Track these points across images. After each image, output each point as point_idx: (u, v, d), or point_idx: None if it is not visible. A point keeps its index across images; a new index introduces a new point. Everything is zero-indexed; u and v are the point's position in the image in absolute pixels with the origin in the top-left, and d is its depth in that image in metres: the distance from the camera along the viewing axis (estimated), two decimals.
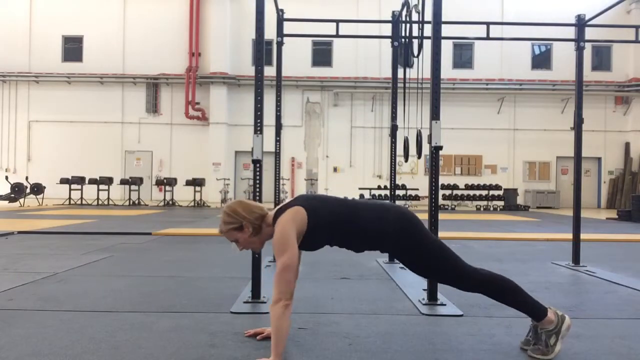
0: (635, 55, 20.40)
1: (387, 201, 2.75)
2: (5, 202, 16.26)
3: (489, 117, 20.53)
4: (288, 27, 5.85)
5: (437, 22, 3.65)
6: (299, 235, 2.51)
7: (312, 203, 2.58)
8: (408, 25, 5.14)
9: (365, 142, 20.65)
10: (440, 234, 3.79)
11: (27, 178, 17.36)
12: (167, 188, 17.35)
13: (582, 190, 5.57)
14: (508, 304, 2.65)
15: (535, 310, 2.59)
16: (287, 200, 2.65)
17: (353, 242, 2.64)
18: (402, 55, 5.39)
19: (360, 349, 2.68)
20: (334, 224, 2.56)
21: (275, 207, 2.92)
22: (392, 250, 2.66)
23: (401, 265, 5.41)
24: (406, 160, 5.27)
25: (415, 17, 4.48)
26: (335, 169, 20.64)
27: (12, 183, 16.42)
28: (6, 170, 20.27)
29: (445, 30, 3.93)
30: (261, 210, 2.62)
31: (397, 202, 11.99)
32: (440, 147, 3.64)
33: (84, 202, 16.83)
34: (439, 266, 2.61)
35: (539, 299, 2.68)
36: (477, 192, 18.33)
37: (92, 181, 17.22)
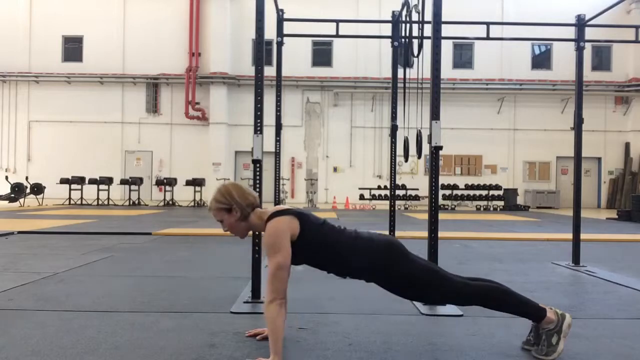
0: (635, 55, 20.40)
1: (375, 232, 2.74)
2: (5, 202, 16.26)
3: (489, 117, 20.53)
4: (288, 27, 5.85)
5: (437, 22, 3.65)
6: None
7: (308, 220, 2.57)
8: (408, 25, 5.14)
9: (365, 142, 20.65)
10: (440, 234, 3.80)
11: (27, 178, 17.36)
12: (167, 188, 17.35)
13: (582, 190, 5.56)
14: (507, 311, 2.64)
15: (534, 312, 2.59)
16: (286, 207, 2.65)
17: (336, 269, 2.64)
18: (402, 55, 5.39)
19: (360, 349, 2.68)
20: (322, 248, 2.56)
21: (274, 206, 2.92)
22: (381, 279, 2.63)
23: None
24: (406, 160, 5.28)
25: (415, 17, 4.48)
26: (335, 169, 20.64)
27: (12, 183, 16.41)
28: (6, 170, 20.27)
29: (445, 30, 3.93)
30: (254, 199, 2.63)
31: (397, 202, 11.98)
32: (440, 147, 3.64)
33: (84, 202, 16.82)
34: (432, 290, 2.59)
35: (539, 299, 2.68)
36: (477, 192, 18.32)
37: (92, 181, 17.21)
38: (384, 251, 2.56)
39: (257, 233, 3.63)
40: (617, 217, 13.53)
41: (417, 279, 2.56)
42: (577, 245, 5.50)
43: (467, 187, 18.35)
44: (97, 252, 6.05)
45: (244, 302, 3.62)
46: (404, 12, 5.22)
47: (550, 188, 20.31)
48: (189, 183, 17.25)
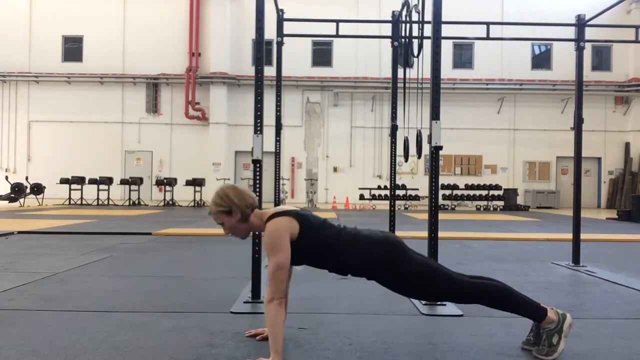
0: (635, 55, 20.40)
1: (375, 230, 2.73)
2: (5, 202, 16.25)
3: (489, 117, 20.53)
4: (288, 27, 5.85)
5: (437, 22, 3.65)
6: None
7: (307, 220, 2.58)
8: (408, 25, 5.14)
9: (365, 142, 20.65)
10: (440, 234, 3.79)
11: (27, 178, 17.36)
12: (167, 188, 17.35)
13: (582, 190, 5.57)
14: (508, 310, 2.64)
15: (535, 312, 2.59)
16: (287, 207, 2.65)
17: (337, 268, 2.65)
18: (402, 55, 5.39)
19: (360, 349, 2.68)
20: (322, 248, 2.57)
21: (274, 207, 2.93)
22: (382, 278, 2.63)
23: None
24: (406, 160, 5.27)
25: (415, 17, 4.48)
26: (335, 169, 20.64)
27: (12, 183, 16.41)
28: (6, 170, 20.27)
29: (445, 30, 3.93)
30: (253, 200, 2.63)
31: (397, 202, 11.97)
32: (440, 147, 3.64)
33: (84, 202, 16.82)
34: (432, 287, 2.59)
35: (539, 299, 2.68)
36: (477, 192, 18.32)
37: (92, 181, 17.21)
38: (383, 249, 2.57)
39: (256, 233, 3.63)
40: (617, 217, 13.53)
41: (418, 277, 2.57)
42: (577, 245, 5.50)
43: (467, 187, 18.35)
44: (97, 252, 6.05)
45: (244, 302, 3.62)
46: (404, 12, 5.21)
47: (550, 188, 20.32)
48: (189, 183, 17.25)
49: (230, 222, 2.60)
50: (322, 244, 2.56)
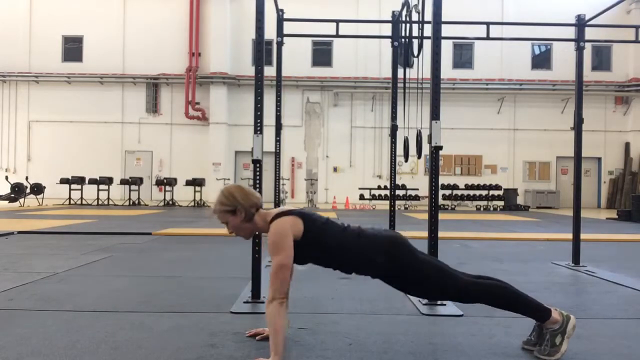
0: (635, 55, 20.40)
1: (380, 228, 2.75)
2: (5, 202, 16.25)
3: (489, 117, 20.53)
4: (288, 27, 5.85)
5: (437, 22, 3.65)
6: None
7: (311, 219, 2.58)
8: (408, 25, 5.14)
9: (365, 142, 20.65)
10: (440, 234, 3.80)
11: (27, 178, 17.35)
12: (167, 188, 17.35)
13: (582, 190, 5.57)
14: (512, 310, 2.63)
15: (539, 312, 2.58)
16: (289, 208, 2.65)
17: (342, 267, 2.65)
18: (402, 55, 5.39)
19: (360, 349, 2.68)
20: (326, 247, 2.57)
21: (274, 207, 2.93)
22: (386, 276, 2.63)
23: None
24: (406, 160, 5.27)
25: (415, 17, 4.48)
26: (335, 169, 20.64)
27: (12, 183, 16.41)
28: (6, 170, 20.27)
29: (445, 30, 3.93)
30: (257, 199, 2.63)
31: (397, 202, 11.97)
32: (440, 147, 3.64)
33: (84, 202, 16.82)
34: (436, 286, 2.60)
35: (539, 299, 2.68)
36: (477, 192, 18.32)
37: (92, 181, 17.21)
38: (388, 247, 2.57)
39: (257, 233, 3.63)
40: (617, 217, 13.53)
41: (422, 276, 2.57)
42: (577, 245, 5.50)
43: (467, 187, 18.35)
44: (97, 252, 6.05)
45: (244, 302, 3.62)
46: (404, 12, 5.22)
47: (550, 188, 20.31)
48: (189, 183, 17.25)
49: (234, 222, 2.60)
50: (326, 243, 2.57)
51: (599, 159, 20.70)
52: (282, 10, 5.78)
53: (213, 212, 2.65)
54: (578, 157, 5.50)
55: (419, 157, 4.52)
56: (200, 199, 17.18)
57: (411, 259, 2.57)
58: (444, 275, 2.58)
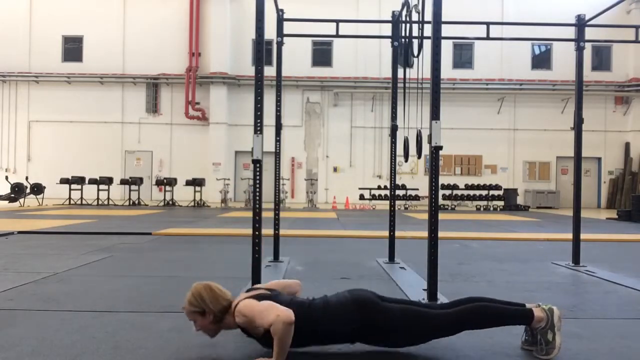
0: (635, 55, 20.40)
1: (342, 293, 2.69)
2: (5, 202, 16.25)
3: (489, 117, 20.52)
4: (288, 27, 5.84)
5: (437, 22, 3.65)
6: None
7: (276, 298, 2.54)
8: (408, 25, 5.14)
9: (365, 142, 20.64)
10: (440, 234, 3.79)
11: (27, 178, 17.35)
12: (167, 188, 17.34)
13: (582, 190, 5.57)
14: (499, 326, 2.62)
15: (523, 318, 2.58)
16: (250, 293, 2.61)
17: (316, 341, 2.59)
18: (402, 55, 5.39)
19: (360, 348, 2.67)
20: (296, 323, 2.42)
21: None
22: (364, 337, 2.57)
23: (401, 265, 5.41)
24: (406, 160, 5.27)
25: (415, 17, 4.47)
26: (335, 169, 20.64)
27: (12, 183, 16.41)
28: (6, 170, 20.27)
29: (445, 30, 3.93)
30: (227, 300, 2.55)
31: (397, 202, 11.95)
32: (440, 147, 3.64)
33: (84, 202, 16.82)
34: (416, 330, 2.55)
35: (539, 299, 2.68)
36: (477, 192, 18.32)
37: (92, 181, 17.21)
38: (356, 311, 2.52)
39: (261, 225, 3.63)
40: (617, 217, 13.53)
41: (399, 324, 2.52)
42: (577, 245, 5.50)
43: (467, 187, 18.35)
44: (97, 252, 6.05)
45: None
46: (404, 12, 5.21)
47: (550, 188, 20.31)
48: (189, 183, 17.24)
49: (203, 323, 2.54)
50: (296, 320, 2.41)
51: (599, 159, 20.70)
52: (282, 10, 5.78)
53: (182, 308, 2.58)
54: (578, 157, 5.50)
55: (419, 157, 4.51)
56: (200, 199, 17.18)
57: (384, 312, 2.52)
58: (419, 317, 2.54)
